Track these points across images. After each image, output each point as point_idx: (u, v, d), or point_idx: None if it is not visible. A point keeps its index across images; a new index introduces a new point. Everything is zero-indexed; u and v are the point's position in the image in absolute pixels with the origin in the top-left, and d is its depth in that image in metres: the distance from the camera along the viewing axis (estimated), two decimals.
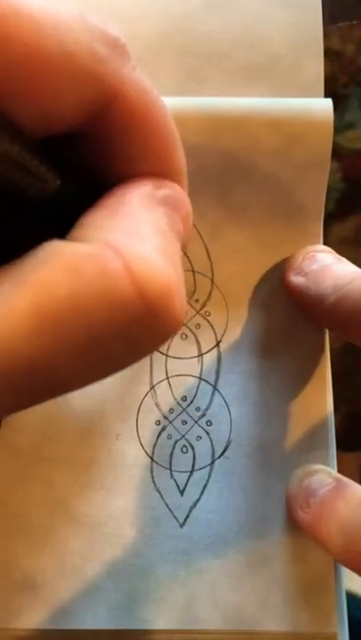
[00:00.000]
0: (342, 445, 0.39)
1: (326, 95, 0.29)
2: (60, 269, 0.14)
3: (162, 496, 0.28)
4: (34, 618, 0.27)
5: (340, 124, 0.34)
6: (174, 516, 0.28)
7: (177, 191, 0.17)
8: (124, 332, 0.14)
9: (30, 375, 0.14)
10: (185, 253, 0.29)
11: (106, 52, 0.15)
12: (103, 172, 0.17)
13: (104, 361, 0.15)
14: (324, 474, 0.27)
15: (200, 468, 0.28)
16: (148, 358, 0.29)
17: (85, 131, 0.16)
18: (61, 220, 0.16)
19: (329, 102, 0.28)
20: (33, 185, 0.15)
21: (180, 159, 0.18)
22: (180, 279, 0.15)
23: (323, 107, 0.28)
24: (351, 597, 0.33)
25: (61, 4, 0.15)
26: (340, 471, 0.28)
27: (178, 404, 0.29)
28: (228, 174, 0.28)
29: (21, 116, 0.14)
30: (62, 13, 0.14)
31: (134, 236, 0.15)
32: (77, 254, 0.14)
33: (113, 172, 0.17)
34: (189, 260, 0.29)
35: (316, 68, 0.29)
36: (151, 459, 0.29)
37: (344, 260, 0.28)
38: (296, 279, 0.28)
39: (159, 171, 0.17)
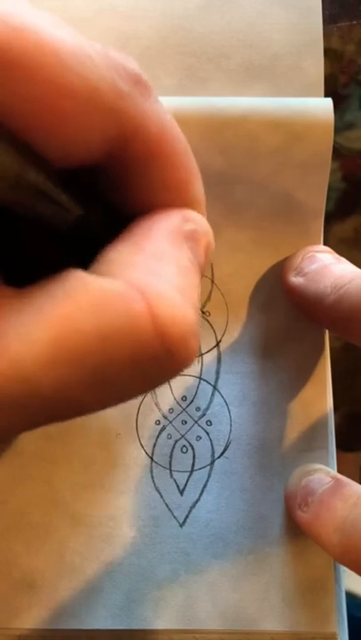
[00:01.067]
0: (342, 445, 0.39)
1: (326, 95, 0.29)
2: (84, 305, 0.14)
3: (162, 496, 0.28)
4: (33, 617, 0.27)
5: (340, 124, 0.34)
6: (174, 516, 0.28)
7: (200, 223, 0.18)
8: (140, 368, 0.15)
9: (43, 402, 0.14)
10: None
11: (128, 89, 0.16)
12: (125, 201, 0.18)
13: (116, 392, 0.16)
14: (323, 473, 0.27)
15: (200, 468, 0.28)
16: None
17: (107, 162, 0.17)
18: (82, 247, 0.17)
19: (329, 101, 0.28)
20: (56, 213, 0.16)
21: (200, 188, 0.18)
22: (197, 319, 0.16)
23: (323, 106, 0.28)
24: (351, 597, 0.33)
25: (85, 40, 0.15)
26: (340, 471, 0.28)
27: (178, 403, 0.29)
28: (228, 174, 0.28)
29: (45, 149, 0.15)
30: (87, 49, 0.15)
31: (159, 277, 0.15)
32: (103, 292, 0.14)
33: (135, 201, 0.17)
34: None
35: (316, 68, 0.29)
36: (151, 458, 0.29)
37: (344, 259, 0.28)
38: (295, 279, 0.28)
39: (179, 201, 0.18)
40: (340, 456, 0.30)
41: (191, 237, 0.17)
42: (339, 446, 0.30)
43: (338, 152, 0.34)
